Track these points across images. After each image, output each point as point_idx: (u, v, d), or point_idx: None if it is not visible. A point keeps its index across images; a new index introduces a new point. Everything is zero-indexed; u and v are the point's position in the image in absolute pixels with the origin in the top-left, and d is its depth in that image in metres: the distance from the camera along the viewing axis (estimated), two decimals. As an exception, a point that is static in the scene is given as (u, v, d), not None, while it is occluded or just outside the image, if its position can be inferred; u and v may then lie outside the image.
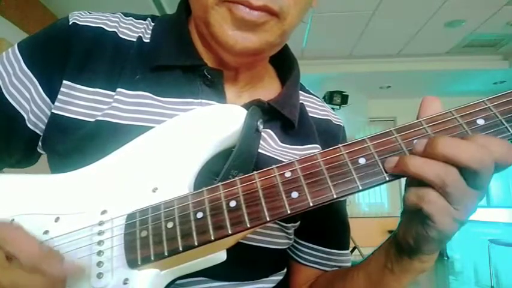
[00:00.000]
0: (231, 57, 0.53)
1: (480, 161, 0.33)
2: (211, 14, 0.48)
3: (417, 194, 0.36)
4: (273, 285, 0.59)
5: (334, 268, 0.64)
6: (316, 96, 0.69)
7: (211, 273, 0.48)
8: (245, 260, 0.51)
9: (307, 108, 0.64)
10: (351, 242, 0.77)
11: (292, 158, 0.40)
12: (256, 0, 0.46)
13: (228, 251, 0.42)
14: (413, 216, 0.39)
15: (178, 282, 0.44)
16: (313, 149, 0.60)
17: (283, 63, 0.62)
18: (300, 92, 0.65)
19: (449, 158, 0.33)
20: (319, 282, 0.62)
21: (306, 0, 0.52)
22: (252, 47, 0.50)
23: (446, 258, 4.99)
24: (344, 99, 3.88)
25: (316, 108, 0.66)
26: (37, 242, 0.37)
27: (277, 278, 0.60)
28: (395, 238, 0.45)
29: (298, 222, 0.59)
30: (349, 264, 0.66)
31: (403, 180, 0.38)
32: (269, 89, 0.61)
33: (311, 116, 0.64)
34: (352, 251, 3.26)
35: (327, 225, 0.63)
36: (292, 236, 0.61)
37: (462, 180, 0.34)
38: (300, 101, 0.63)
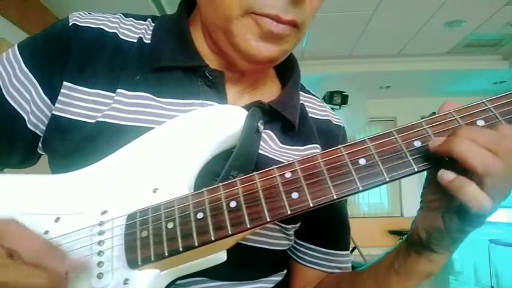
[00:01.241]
0: (247, 64, 0.53)
1: None
2: (235, 24, 0.49)
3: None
4: (273, 285, 0.59)
5: (335, 269, 0.64)
6: (316, 96, 0.69)
7: (211, 273, 0.48)
8: (245, 260, 0.51)
9: (307, 109, 0.64)
10: (351, 242, 0.78)
11: (292, 159, 0.40)
12: (286, 15, 0.47)
13: (228, 251, 0.42)
14: (435, 206, 0.40)
15: (178, 282, 0.44)
16: (314, 149, 0.60)
17: (284, 65, 0.62)
18: (300, 92, 0.65)
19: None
20: (325, 283, 0.62)
21: (318, 9, 0.53)
22: (272, 57, 0.51)
23: (446, 258, 4.96)
24: (344, 99, 3.87)
25: (315, 108, 0.66)
26: (39, 238, 0.37)
27: (277, 278, 0.60)
28: (408, 237, 0.45)
29: (299, 224, 0.59)
30: (349, 264, 0.66)
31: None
32: (270, 91, 0.61)
33: (311, 117, 0.64)
34: (352, 251, 3.26)
35: (327, 225, 0.63)
36: (292, 237, 0.61)
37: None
38: (300, 102, 0.63)
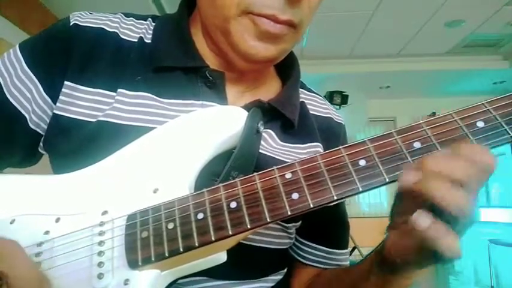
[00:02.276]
0: (246, 64, 0.53)
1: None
2: (232, 24, 0.49)
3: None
4: (273, 284, 0.59)
5: (335, 268, 0.64)
6: (318, 94, 0.70)
7: (212, 272, 0.48)
8: (246, 259, 0.51)
9: (309, 106, 0.64)
10: (351, 242, 0.78)
11: (293, 157, 0.40)
12: (282, 15, 0.48)
13: (229, 251, 0.42)
14: (408, 232, 0.37)
15: (179, 281, 0.44)
16: (315, 147, 0.60)
17: (284, 62, 0.62)
18: (302, 90, 0.65)
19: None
20: (320, 282, 0.63)
21: (316, 8, 0.54)
22: (271, 56, 0.52)
23: (446, 258, 4.96)
24: (344, 99, 3.87)
25: (318, 106, 0.66)
26: (32, 268, 0.36)
27: (278, 277, 0.61)
28: (381, 252, 0.44)
29: (300, 222, 0.60)
30: (347, 263, 0.67)
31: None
32: (270, 89, 0.61)
33: (312, 114, 0.64)
34: (352, 251, 3.27)
35: (328, 225, 0.63)
36: (293, 236, 0.61)
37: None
38: (302, 100, 0.63)
